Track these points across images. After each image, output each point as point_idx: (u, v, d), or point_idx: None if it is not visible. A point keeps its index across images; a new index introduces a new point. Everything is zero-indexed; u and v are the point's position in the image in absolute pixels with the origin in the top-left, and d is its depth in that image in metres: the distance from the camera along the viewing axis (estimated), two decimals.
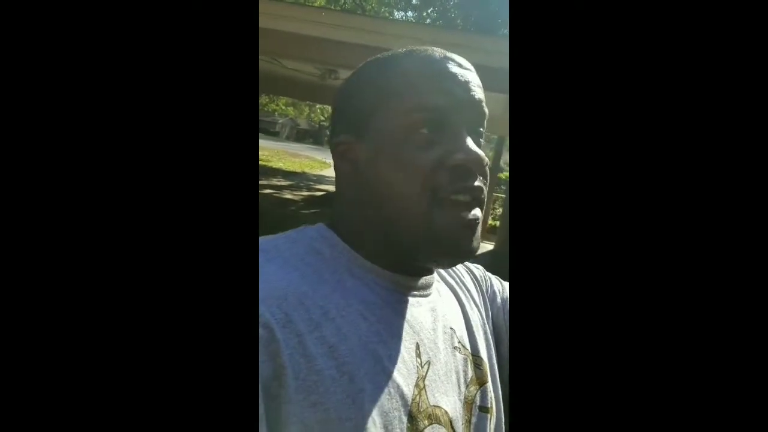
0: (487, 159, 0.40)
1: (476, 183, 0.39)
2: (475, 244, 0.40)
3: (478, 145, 0.41)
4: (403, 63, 0.41)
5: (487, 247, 6.52)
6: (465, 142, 0.38)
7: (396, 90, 0.40)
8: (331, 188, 10.22)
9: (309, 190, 9.66)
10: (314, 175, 12.21)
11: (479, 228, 0.40)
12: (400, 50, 0.43)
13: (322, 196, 9.00)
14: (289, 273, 0.38)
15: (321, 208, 7.03)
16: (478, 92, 0.41)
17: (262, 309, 0.34)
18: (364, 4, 12.73)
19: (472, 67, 0.42)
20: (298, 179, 11.10)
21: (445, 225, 0.38)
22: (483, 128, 0.42)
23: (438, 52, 0.41)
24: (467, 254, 0.40)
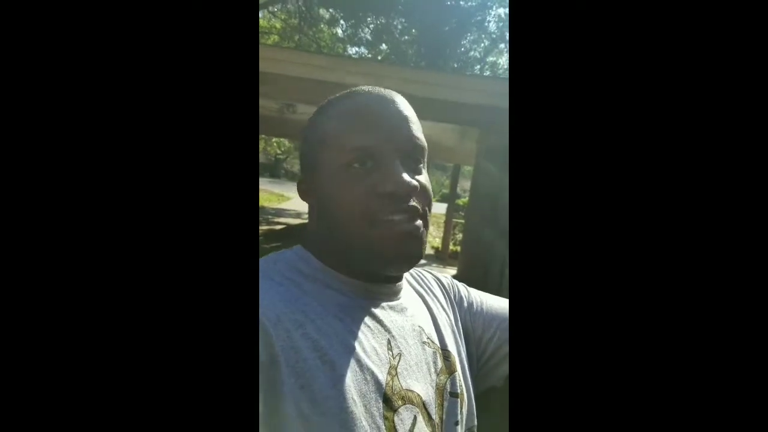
0: (417, 184, 0.45)
1: (410, 204, 0.45)
2: (416, 249, 0.46)
3: (416, 170, 0.47)
4: (340, 107, 0.48)
5: (450, 272, 6.60)
6: (394, 172, 0.44)
7: (333, 132, 0.47)
8: (291, 221, 10.04)
9: (268, 224, 9.47)
10: (273, 209, 12.00)
11: (421, 235, 0.46)
12: (342, 93, 0.49)
13: (282, 230, 8.83)
14: (275, 287, 0.45)
15: (282, 242, 6.88)
16: (408, 127, 0.47)
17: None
18: (318, 40, 13.05)
19: (403, 104, 0.48)
20: None
21: (385, 238, 0.44)
22: (421, 156, 0.48)
23: (373, 94, 0.48)
24: (412, 258, 0.46)
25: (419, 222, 0.46)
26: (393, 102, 0.48)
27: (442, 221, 9.50)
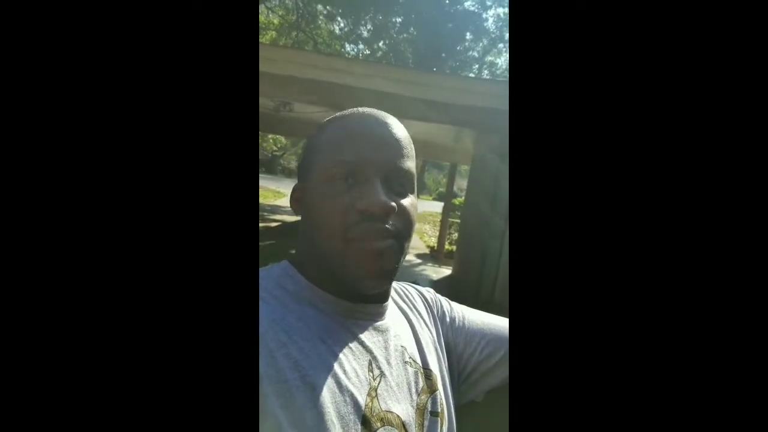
0: (394, 205, 0.46)
1: (385, 225, 0.45)
2: (386, 267, 0.46)
3: (399, 193, 0.48)
4: (336, 125, 0.50)
5: (444, 272, 6.61)
6: (372, 190, 0.45)
7: (323, 149, 0.49)
8: (287, 218, 10.03)
9: (264, 221, 9.44)
10: (268, 206, 11.98)
11: (393, 255, 0.46)
12: (342, 112, 0.51)
13: (277, 226, 8.82)
14: (260, 304, 0.44)
15: (277, 239, 6.87)
16: (396, 150, 0.48)
17: None
18: (315, 37, 13.01)
19: (396, 127, 0.49)
20: None
21: (356, 255, 0.45)
22: (406, 180, 0.49)
23: (368, 115, 0.50)
24: (381, 277, 0.47)
25: (391, 241, 0.46)
26: (386, 124, 0.49)
27: (439, 220, 9.53)
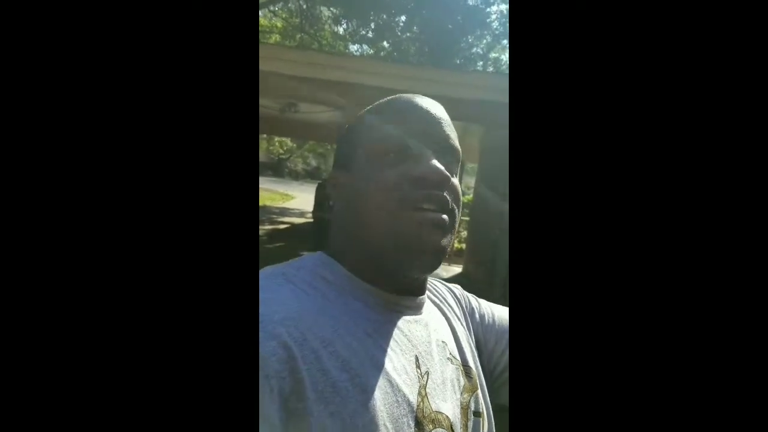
0: (449, 175, 0.44)
1: (440, 193, 0.44)
2: (442, 241, 0.44)
3: (449, 169, 0.46)
4: (384, 106, 0.49)
5: (455, 270, 6.59)
6: (427, 160, 0.44)
7: (370, 130, 0.47)
8: (295, 220, 10.08)
9: (272, 223, 9.50)
10: (276, 208, 12.04)
11: (447, 229, 0.45)
12: (380, 101, 0.50)
13: (285, 229, 8.86)
14: (300, 297, 0.42)
15: (286, 241, 6.91)
16: (447, 129, 0.48)
17: (280, 330, 0.37)
18: (319, 39, 13.06)
19: (442, 110, 0.49)
20: (260, 213, 10.90)
21: (411, 227, 0.43)
22: (454, 158, 0.48)
23: (411, 97, 0.49)
24: (437, 251, 0.44)
25: (446, 216, 0.44)
26: (433, 104, 0.49)
27: None
